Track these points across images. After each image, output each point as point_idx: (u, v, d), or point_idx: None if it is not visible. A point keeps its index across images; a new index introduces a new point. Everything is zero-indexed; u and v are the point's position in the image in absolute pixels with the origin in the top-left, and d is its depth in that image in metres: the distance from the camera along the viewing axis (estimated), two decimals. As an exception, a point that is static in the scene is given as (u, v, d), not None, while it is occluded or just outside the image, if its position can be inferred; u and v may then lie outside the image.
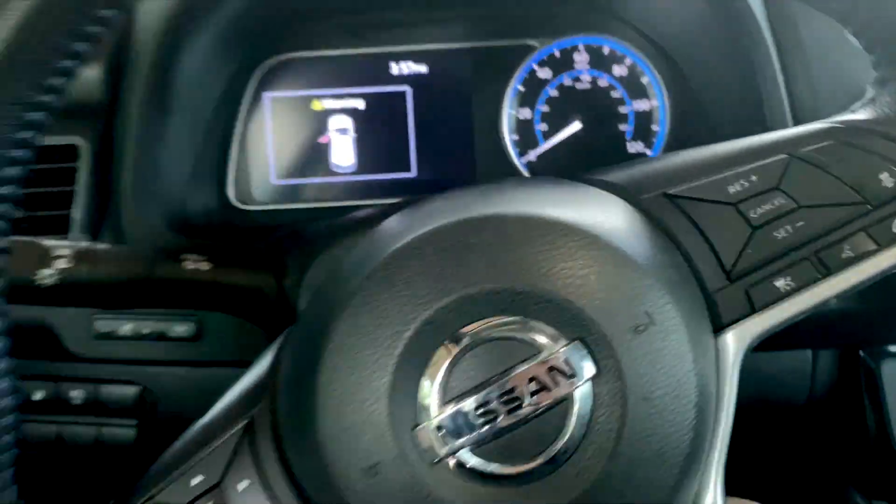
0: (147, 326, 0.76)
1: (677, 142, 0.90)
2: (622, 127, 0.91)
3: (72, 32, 0.36)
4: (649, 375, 0.37)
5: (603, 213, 0.41)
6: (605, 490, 0.37)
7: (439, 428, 0.37)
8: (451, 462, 0.38)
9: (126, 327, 0.76)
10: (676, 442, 0.37)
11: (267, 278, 0.65)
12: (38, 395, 0.82)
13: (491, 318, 0.38)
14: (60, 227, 0.76)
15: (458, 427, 0.37)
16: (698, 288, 0.42)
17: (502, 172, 0.91)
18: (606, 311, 0.37)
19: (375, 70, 0.91)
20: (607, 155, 0.91)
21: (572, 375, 0.37)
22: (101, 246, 0.59)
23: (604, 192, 0.44)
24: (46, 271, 0.55)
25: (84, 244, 0.58)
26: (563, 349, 0.37)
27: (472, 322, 0.38)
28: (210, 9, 0.75)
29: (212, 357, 0.77)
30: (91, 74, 0.75)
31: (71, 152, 0.75)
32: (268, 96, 0.90)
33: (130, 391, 0.81)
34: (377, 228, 0.46)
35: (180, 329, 0.76)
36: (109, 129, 0.76)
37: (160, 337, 0.76)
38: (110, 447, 0.80)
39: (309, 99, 0.90)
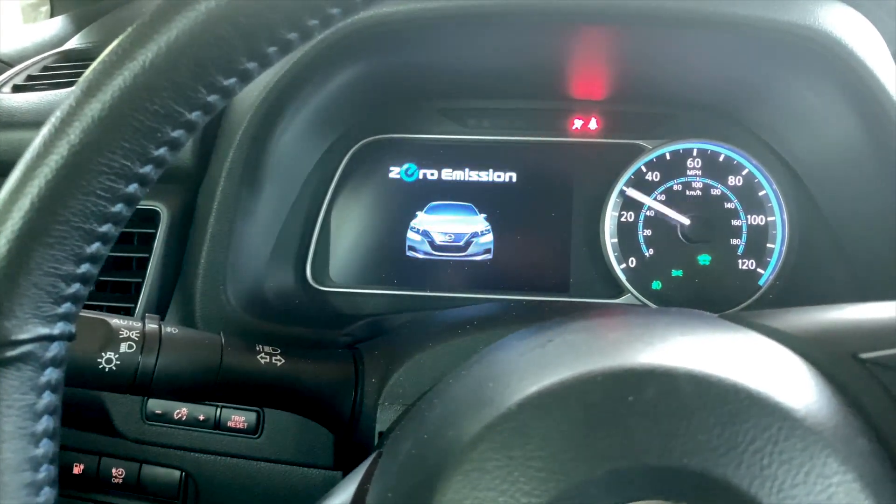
0: (203, 413, 0.69)
1: (794, 263, 0.82)
2: (734, 241, 0.83)
3: (188, 99, 0.31)
4: None
5: (790, 380, 0.33)
6: None
7: None
8: None
9: (180, 411, 0.70)
10: None
11: (343, 381, 0.58)
12: (77, 469, 0.77)
13: (647, 502, 0.30)
14: (129, 293, 0.72)
15: None
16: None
17: (598, 276, 0.84)
18: None
19: (468, 156, 0.86)
20: (715, 269, 0.83)
21: None
22: (171, 329, 0.53)
23: (783, 348, 0.36)
24: (110, 355, 0.49)
25: (153, 326, 0.52)
26: None
27: None
28: (312, 86, 0.71)
29: (269, 454, 0.70)
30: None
31: (151, 217, 0.71)
32: (358, 176, 0.86)
33: (173, 476, 0.74)
34: (499, 356, 0.39)
35: (238, 419, 0.69)
36: (193, 197, 0.72)
37: (216, 426, 0.69)
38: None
39: (400, 182, 0.86)
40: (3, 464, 0.30)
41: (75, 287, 0.32)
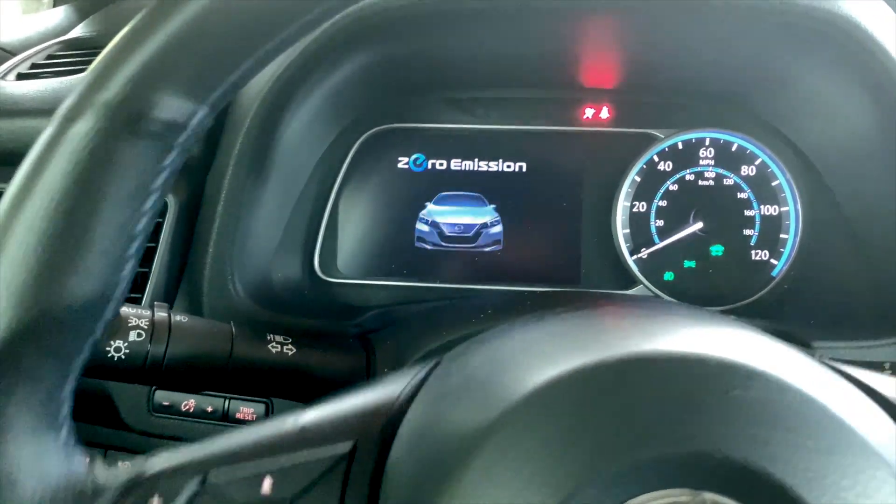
0: (211, 404, 0.68)
1: (808, 253, 0.81)
2: (747, 231, 0.82)
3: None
4: None
5: (866, 413, 0.32)
6: None
7: None
8: None
9: (188, 403, 0.69)
10: None
11: (355, 371, 0.57)
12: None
13: (672, 491, 0.29)
14: (136, 283, 0.71)
15: None
16: None
17: (609, 267, 0.83)
18: None
19: (477, 146, 0.85)
20: (727, 261, 0.82)
21: None
22: (179, 318, 0.52)
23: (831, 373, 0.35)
24: (119, 343, 0.49)
25: (162, 314, 0.52)
26: None
27: (646, 493, 0.29)
28: (320, 74, 0.70)
29: (277, 446, 0.69)
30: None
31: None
32: (366, 166, 0.85)
33: (181, 469, 0.73)
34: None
35: (247, 411, 0.68)
36: (200, 187, 0.71)
37: (224, 417, 0.68)
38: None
39: (408, 172, 0.85)
40: (106, 223, 0.31)
41: (223, 88, 0.33)
